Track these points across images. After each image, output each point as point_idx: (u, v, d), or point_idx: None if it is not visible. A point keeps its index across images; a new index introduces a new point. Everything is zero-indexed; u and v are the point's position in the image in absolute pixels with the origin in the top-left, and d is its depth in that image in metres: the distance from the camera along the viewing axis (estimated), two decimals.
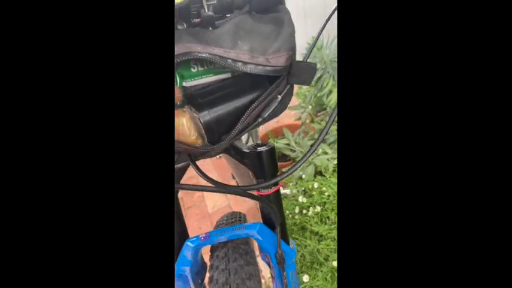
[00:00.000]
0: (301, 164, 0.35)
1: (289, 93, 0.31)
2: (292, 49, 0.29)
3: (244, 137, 0.86)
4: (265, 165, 0.42)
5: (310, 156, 0.34)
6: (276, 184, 0.44)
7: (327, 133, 0.35)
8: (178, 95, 0.29)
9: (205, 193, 1.58)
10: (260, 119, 0.30)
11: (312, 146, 0.35)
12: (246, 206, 1.32)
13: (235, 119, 0.29)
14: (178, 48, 0.25)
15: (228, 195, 1.56)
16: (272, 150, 0.42)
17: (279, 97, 0.30)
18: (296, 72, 0.29)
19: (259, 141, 0.44)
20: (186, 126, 0.27)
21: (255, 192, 0.46)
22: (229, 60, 0.26)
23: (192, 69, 0.29)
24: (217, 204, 1.46)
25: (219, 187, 0.35)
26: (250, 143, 1.04)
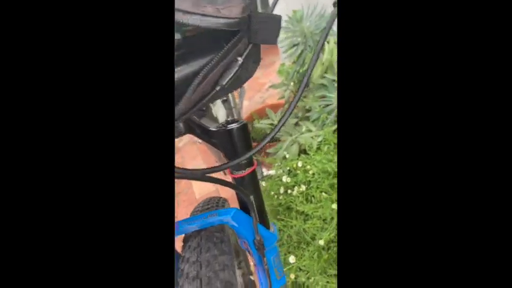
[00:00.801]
0: (273, 136, 0.31)
1: (254, 56, 0.26)
2: None
3: (222, 115, 0.80)
4: (237, 144, 0.37)
5: (280, 127, 0.30)
6: (250, 165, 0.40)
7: (298, 101, 0.30)
8: None
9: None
10: (218, 87, 0.25)
11: (281, 117, 0.31)
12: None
13: (186, 88, 0.24)
14: None
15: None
16: (244, 127, 0.38)
17: (240, 59, 0.25)
18: (257, 27, 0.24)
19: (230, 119, 0.39)
20: None
21: (228, 176, 0.42)
22: None
23: None
24: (205, 189, 1.42)
25: (180, 172, 0.30)
26: None
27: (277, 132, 0.30)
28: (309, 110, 1.22)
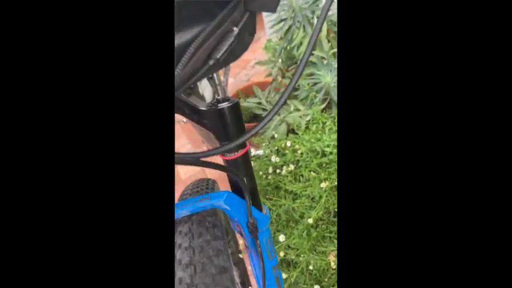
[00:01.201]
0: (268, 121, 0.28)
1: (250, 26, 0.24)
2: None
3: (208, 93, 0.76)
4: (229, 124, 0.35)
5: (277, 111, 0.28)
6: (243, 146, 0.38)
7: (294, 86, 0.28)
8: None
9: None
10: (212, 61, 0.22)
11: (277, 102, 0.28)
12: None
13: (176, 61, 0.21)
14: None
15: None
16: (236, 105, 0.35)
17: (235, 29, 0.22)
18: None
19: (219, 97, 0.36)
20: None
21: (219, 157, 0.40)
22: None
23: None
24: (190, 170, 1.40)
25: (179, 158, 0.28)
26: None
27: (275, 114, 0.28)
28: (297, 89, 1.20)
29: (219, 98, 0.36)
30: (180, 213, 0.36)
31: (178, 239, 0.35)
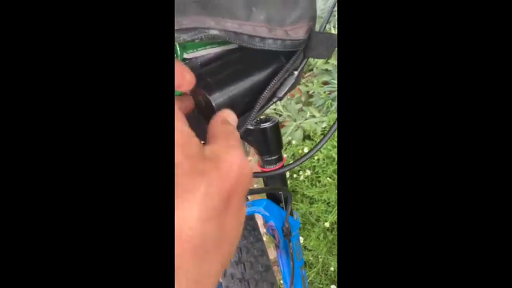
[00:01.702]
0: (314, 152, 0.34)
1: (304, 67, 0.29)
2: (313, 19, 0.25)
3: None
4: (270, 141, 0.40)
5: (321, 147, 0.33)
6: (280, 160, 0.43)
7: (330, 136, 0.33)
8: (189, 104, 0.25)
9: None
10: (275, 99, 0.27)
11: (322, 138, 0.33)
12: None
13: (250, 100, 0.26)
14: (187, 22, 0.21)
15: None
16: (276, 125, 0.40)
17: (296, 73, 0.27)
18: (315, 45, 0.26)
19: (262, 117, 0.41)
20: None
21: (258, 168, 0.45)
22: (245, 37, 0.22)
23: (196, 40, 0.25)
24: None
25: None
26: None
27: (319, 149, 0.33)
28: (311, 96, 1.24)
29: (262, 118, 0.41)
30: None
31: None
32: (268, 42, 0.23)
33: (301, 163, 0.35)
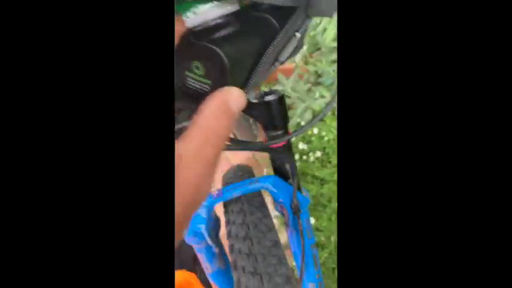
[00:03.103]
0: (319, 119, 0.32)
1: (307, 29, 0.27)
2: None
3: None
4: (275, 115, 0.39)
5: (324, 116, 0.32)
6: (286, 135, 0.42)
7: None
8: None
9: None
10: (277, 63, 0.26)
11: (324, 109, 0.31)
12: (243, 157, 1.32)
13: (254, 61, 0.24)
14: None
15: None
16: (282, 98, 0.39)
17: (298, 35, 0.25)
18: (314, 1, 0.24)
19: (266, 90, 0.39)
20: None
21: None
22: None
23: None
24: (240, 157, 1.46)
25: (242, 145, 0.32)
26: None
27: (322, 117, 0.32)
28: (320, 76, 1.20)
29: (266, 91, 0.39)
30: (232, 194, 0.41)
31: (231, 217, 0.39)
32: None
33: (298, 134, 0.33)
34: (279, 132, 0.41)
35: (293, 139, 1.07)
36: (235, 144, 0.32)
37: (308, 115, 1.11)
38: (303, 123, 1.07)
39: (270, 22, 0.25)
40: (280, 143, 0.42)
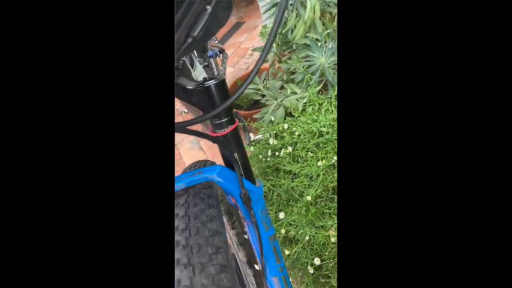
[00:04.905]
0: (246, 87, 0.31)
1: (224, 2, 0.26)
2: None
3: (199, 73, 0.79)
4: (216, 101, 0.37)
5: (253, 78, 0.31)
6: (232, 123, 0.41)
7: (267, 53, 0.30)
8: None
9: (181, 151, 1.55)
10: (189, 39, 0.25)
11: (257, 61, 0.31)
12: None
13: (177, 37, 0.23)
14: None
15: (204, 149, 1.53)
16: (222, 83, 0.38)
17: (209, 8, 0.24)
18: None
19: (207, 76, 0.38)
20: None
21: (210, 135, 0.42)
22: None
23: None
24: (195, 159, 1.44)
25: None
26: None
27: (249, 82, 0.31)
28: (293, 73, 1.21)
29: (206, 77, 0.38)
30: (177, 186, 0.39)
31: (176, 209, 0.38)
32: None
33: (234, 99, 0.33)
34: (223, 120, 0.40)
35: (266, 135, 1.06)
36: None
37: (280, 112, 1.11)
38: (274, 120, 1.06)
39: None
40: (225, 132, 0.40)
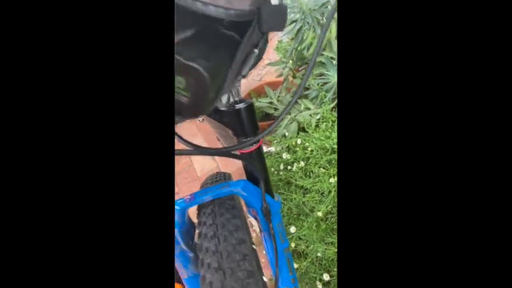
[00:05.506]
0: (280, 120, 0.34)
1: (264, 41, 0.30)
2: None
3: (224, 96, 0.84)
4: (245, 122, 0.41)
5: (289, 110, 0.34)
6: (257, 141, 0.44)
7: (304, 85, 0.34)
8: None
9: (192, 157, 1.59)
10: (240, 77, 0.29)
11: (289, 102, 0.34)
12: (234, 166, 1.34)
13: (225, 75, 0.27)
14: None
15: (216, 157, 1.57)
16: (251, 106, 0.41)
17: (256, 51, 0.28)
18: (266, 17, 0.27)
19: (237, 98, 0.42)
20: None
21: (237, 152, 0.46)
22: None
23: None
24: (206, 167, 1.48)
25: (203, 150, 0.34)
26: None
27: (285, 113, 0.34)
28: (307, 88, 1.25)
29: (236, 99, 0.42)
30: (203, 198, 0.42)
31: (203, 218, 0.41)
32: (210, 8, 0.24)
33: (269, 132, 0.36)
34: (249, 139, 0.44)
35: (278, 148, 1.10)
36: (205, 150, 0.35)
37: (293, 127, 1.14)
38: (287, 134, 1.10)
39: (235, 38, 0.28)
40: (250, 149, 0.44)
